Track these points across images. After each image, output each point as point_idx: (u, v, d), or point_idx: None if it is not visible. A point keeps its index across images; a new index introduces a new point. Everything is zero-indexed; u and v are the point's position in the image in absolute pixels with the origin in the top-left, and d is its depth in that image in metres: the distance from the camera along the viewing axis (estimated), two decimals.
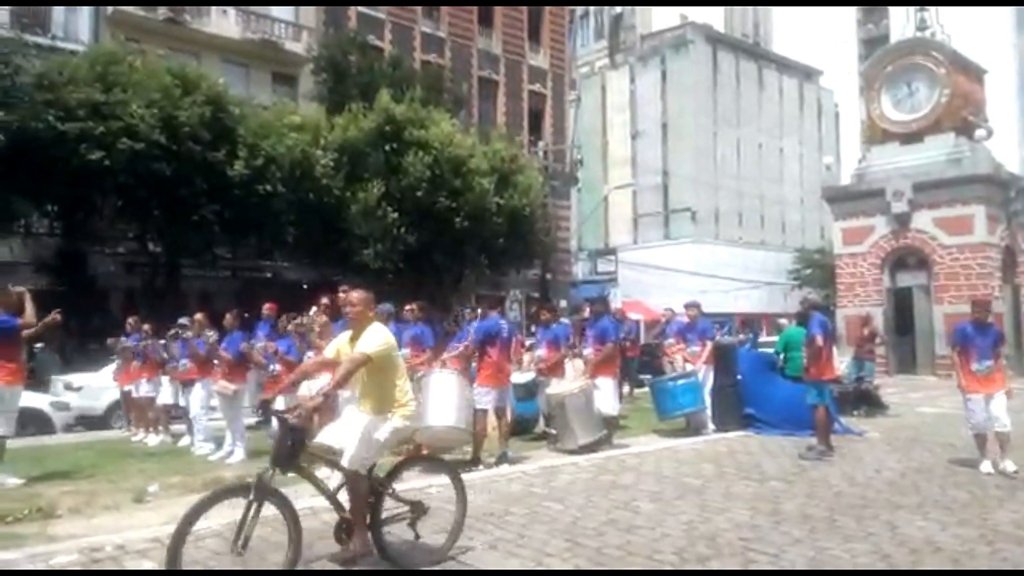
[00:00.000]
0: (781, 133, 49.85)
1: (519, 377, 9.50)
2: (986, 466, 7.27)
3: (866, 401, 11.63)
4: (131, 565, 4.31)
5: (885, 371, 17.54)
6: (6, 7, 19.86)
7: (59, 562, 4.31)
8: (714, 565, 4.48)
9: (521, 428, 9.64)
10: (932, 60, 21.34)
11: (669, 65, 45.58)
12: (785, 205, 49.39)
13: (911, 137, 21.47)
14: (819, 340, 8.15)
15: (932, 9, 22.38)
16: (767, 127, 48.71)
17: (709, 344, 10.10)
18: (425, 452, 8.01)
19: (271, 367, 8.00)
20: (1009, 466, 7.15)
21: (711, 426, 9.70)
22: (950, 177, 20.15)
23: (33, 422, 10.60)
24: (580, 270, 36.42)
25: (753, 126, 47.83)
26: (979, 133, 20.98)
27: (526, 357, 10.13)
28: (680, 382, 9.53)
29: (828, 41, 55.83)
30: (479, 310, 9.00)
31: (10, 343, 7.29)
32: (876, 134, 22.43)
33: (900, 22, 25.21)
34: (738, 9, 55.88)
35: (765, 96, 49.04)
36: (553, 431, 9.05)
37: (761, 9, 58.10)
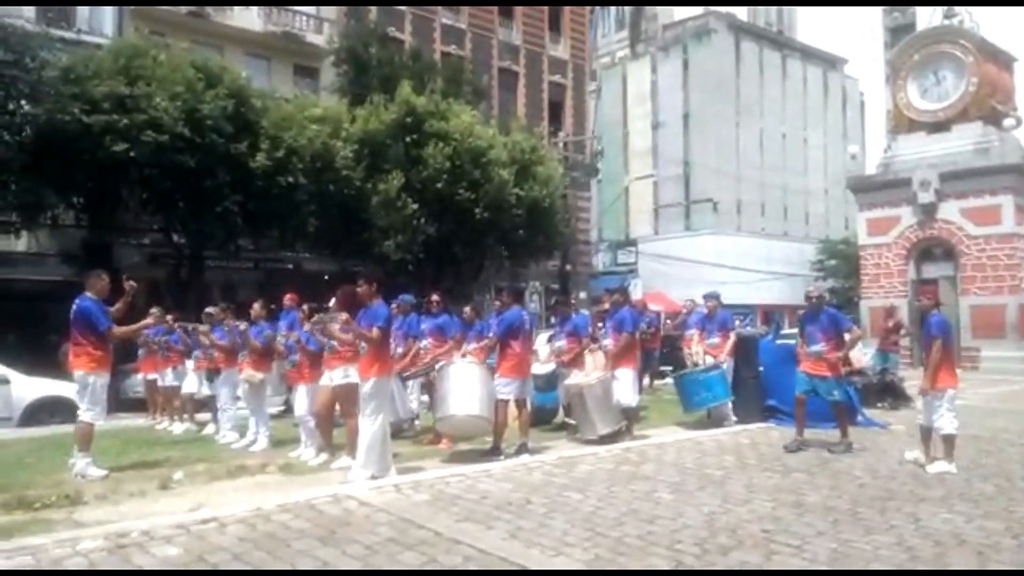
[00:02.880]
0: (805, 123, 49.28)
1: (539, 368, 9.51)
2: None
3: (890, 393, 11.48)
4: (156, 551, 4.37)
5: (909, 363, 17.31)
6: (30, 4, 20.09)
7: (85, 547, 4.37)
8: (735, 556, 4.46)
9: (541, 419, 9.66)
10: (960, 48, 20.94)
11: (691, 55, 45.20)
12: (809, 195, 48.88)
13: (938, 126, 21.11)
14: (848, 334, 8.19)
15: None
16: (791, 117, 48.17)
17: (732, 336, 10.02)
18: (446, 441, 8.07)
19: (292, 357, 8.06)
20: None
21: (733, 418, 9.64)
22: (978, 167, 19.79)
23: (61, 411, 10.78)
24: (600, 261, 36.29)
25: (777, 116, 47.32)
26: (1008, 122, 20.59)
27: (545, 348, 10.12)
28: (710, 373, 9.47)
29: (853, 29, 55.28)
30: (499, 301, 9.00)
31: (93, 335, 7.15)
32: (902, 123, 22.08)
33: (927, 10, 24.74)
34: None
35: (789, 85, 48.48)
36: (573, 422, 9.05)
37: None
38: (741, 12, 50.21)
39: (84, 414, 7.09)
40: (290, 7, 25.22)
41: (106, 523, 5.09)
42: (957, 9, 21.84)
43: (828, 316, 7.99)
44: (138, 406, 12.45)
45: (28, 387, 11.34)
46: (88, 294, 7.24)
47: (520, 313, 7.84)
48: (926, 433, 7.15)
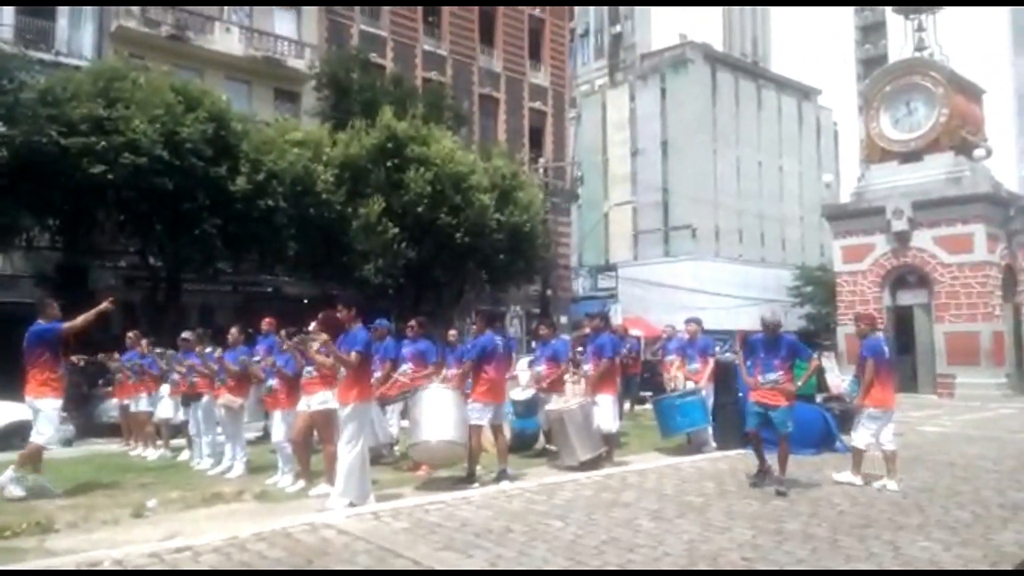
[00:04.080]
0: (780, 151, 50.08)
1: (519, 394, 9.48)
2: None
3: None
4: None
5: None
6: (8, 24, 19.99)
7: None
8: None
9: (521, 444, 9.61)
10: (930, 80, 21.47)
11: (668, 84, 45.90)
12: (785, 222, 49.52)
13: (910, 156, 21.55)
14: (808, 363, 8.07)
15: (930, 27, 22.56)
16: (766, 145, 48.95)
17: (711, 361, 10.07)
18: (424, 469, 8.00)
19: (269, 382, 7.98)
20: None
21: (713, 444, 9.66)
22: (950, 196, 20.21)
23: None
24: (580, 286, 36.44)
25: (753, 144, 48.06)
26: (978, 152, 21.07)
27: (526, 373, 10.11)
28: (687, 399, 9.49)
29: (827, 60, 56.32)
30: (474, 326, 9.00)
31: (49, 352, 7.28)
32: (875, 153, 22.52)
33: (898, 42, 25.35)
34: (737, 27, 56.43)
35: (764, 115, 49.32)
36: (553, 448, 9.01)
37: (760, 27, 58.64)
38: (717, 43, 51.14)
39: (36, 437, 7.20)
40: (272, 32, 25.30)
41: (78, 552, 4.97)
42: (927, 40, 22.42)
43: (787, 344, 7.54)
44: (112, 431, 12.23)
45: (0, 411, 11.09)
46: (40, 321, 7.37)
47: (492, 338, 7.82)
48: (858, 454, 7.64)
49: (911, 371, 20.97)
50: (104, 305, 7.45)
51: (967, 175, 20.57)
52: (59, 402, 7.41)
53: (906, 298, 21.45)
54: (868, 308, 21.53)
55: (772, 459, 7.40)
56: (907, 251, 21.01)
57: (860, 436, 7.68)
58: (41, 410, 7.22)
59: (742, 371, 7.76)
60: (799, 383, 7.63)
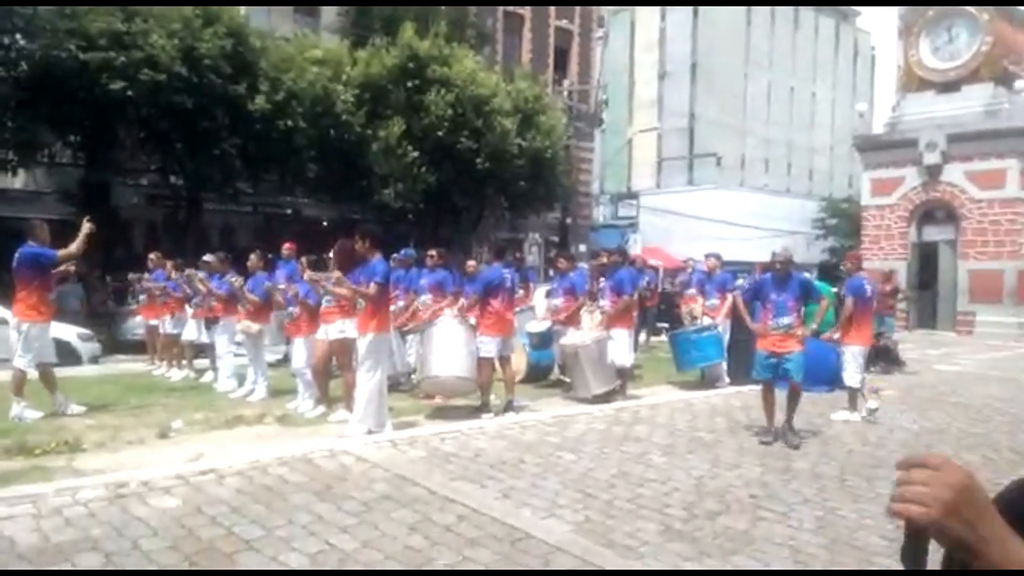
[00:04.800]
0: (814, 76, 48.47)
1: (535, 326, 9.55)
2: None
3: (883, 357, 11.56)
4: (155, 502, 4.45)
5: (905, 326, 17.44)
6: None
7: (84, 496, 4.45)
8: (722, 521, 4.55)
9: (536, 375, 9.75)
10: (975, 5, 20.50)
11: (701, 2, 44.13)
12: (814, 152, 48.37)
13: (948, 86, 20.82)
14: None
15: None
16: (800, 69, 47.35)
17: (729, 297, 10.04)
18: (441, 396, 8.16)
19: (290, 309, 8.08)
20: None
21: (726, 379, 9.73)
22: (985, 129, 19.59)
23: (60, 354, 10.82)
24: (601, 214, 36.08)
25: (786, 68, 46.51)
26: (1019, 84, 20.29)
27: (543, 303, 10.14)
28: (703, 334, 9.52)
29: None
30: (484, 257, 9.00)
31: (39, 278, 7.32)
32: (912, 81, 21.75)
33: None
34: None
35: (800, 36, 47.53)
36: (567, 379, 9.13)
37: None
38: None
39: (18, 360, 7.24)
40: None
41: (105, 471, 5.17)
42: None
43: (799, 283, 6.88)
44: (138, 348, 12.52)
45: None
46: (31, 243, 7.39)
47: (499, 271, 7.82)
48: (851, 392, 7.93)
49: (931, 308, 20.84)
50: (87, 228, 7.38)
51: (1005, 107, 19.87)
52: (47, 326, 7.48)
53: (932, 234, 21.10)
54: (893, 243, 21.30)
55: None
56: (937, 185, 20.54)
57: (850, 374, 7.93)
58: (27, 332, 7.25)
59: (744, 316, 7.14)
60: (813, 325, 7.22)
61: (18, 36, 14.59)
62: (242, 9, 18.61)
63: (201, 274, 9.54)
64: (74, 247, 7.41)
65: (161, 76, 15.24)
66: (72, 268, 8.25)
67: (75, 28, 15.18)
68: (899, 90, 22.45)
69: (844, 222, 34.32)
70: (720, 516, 4.66)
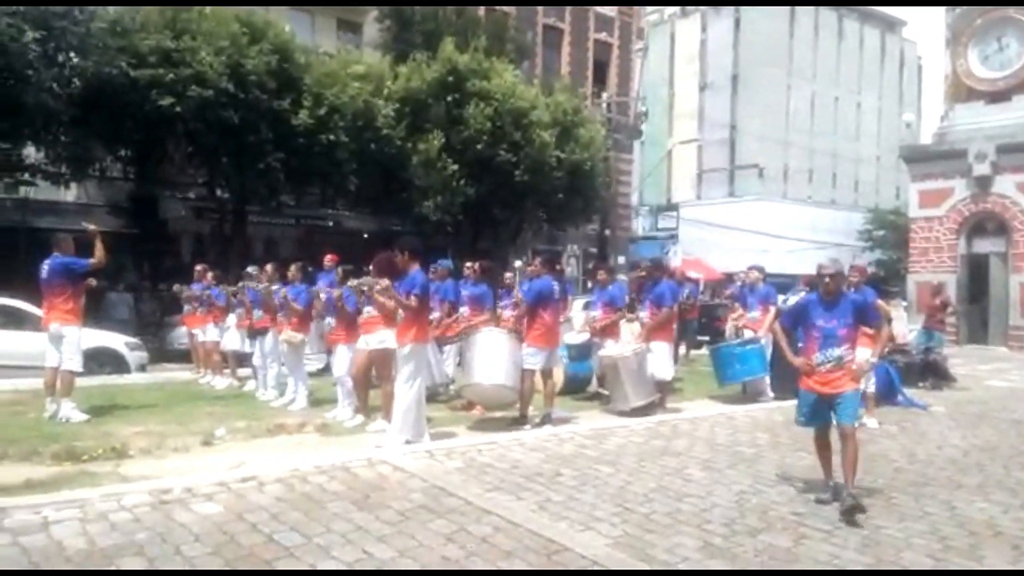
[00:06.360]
0: (859, 87, 47.70)
1: (573, 337, 9.51)
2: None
3: (932, 373, 11.25)
4: (198, 508, 4.53)
5: (955, 340, 16.96)
6: None
7: (129, 502, 4.55)
8: (764, 539, 4.46)
9: (574, 388, 9.70)
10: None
11: (743, 13, 43.79)
12: (860, 162, 47.53)
13: (998, 96, 20.30)
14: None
15: None
16: (845, 80, 46.65)
17: (772, 310, 9.87)
18: (477, 409, 8.16)
19: (327, 320, 8.18)
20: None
21: (770, 393, 9.56)
22: None
23: (109, 362, 11.14)
24: (640, 226, 35.90)
25: (830, 79, 45.86)
26: None
27: (581, 316, 10.11)
28: (746, 347, 9.37)
29: None
30: (531, 267, 8.97)
31: (72, 286, 7.76)
32: (961, 91, 21.26)
33: None
34: None
35: (844, 47, 46.85)
36: (606, 392, 9.06)
37: None
38: None
39: (67, 363, 7.64)
40: None
41: (150, 478, 5.27)
42: None
43: (853, 303, 5.40)
44: (183, 357, 12.80)
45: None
46: (57, 254, 7.81)
47: (549, 283, 7.81)
48: (868, 397, 7.84)
49: (982, 322, 20.24)
50: (92, 230, 7.86)
51: None
52: (81, 329, 7.92)
53: (982, 246, 20.53)
54: (942, 255, 20.77)
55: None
56: (987, 197, 20.00)
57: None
58: (66, 336, 7.67)
59: (784, 348, 5.66)
60: (872, 359, 5.82)
61: (72, 54, 15.09)
62: (287, 26, 19.02)
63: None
64: (98, 255, 7.80)
65: (208, 92, 15.63)
66: (93, 283, 8.57)
67: (126, 46, 15.66)
68: (947, 100, 21.95)
69: (891, 234, 33.65)
70: (761, 533, 4.56)
